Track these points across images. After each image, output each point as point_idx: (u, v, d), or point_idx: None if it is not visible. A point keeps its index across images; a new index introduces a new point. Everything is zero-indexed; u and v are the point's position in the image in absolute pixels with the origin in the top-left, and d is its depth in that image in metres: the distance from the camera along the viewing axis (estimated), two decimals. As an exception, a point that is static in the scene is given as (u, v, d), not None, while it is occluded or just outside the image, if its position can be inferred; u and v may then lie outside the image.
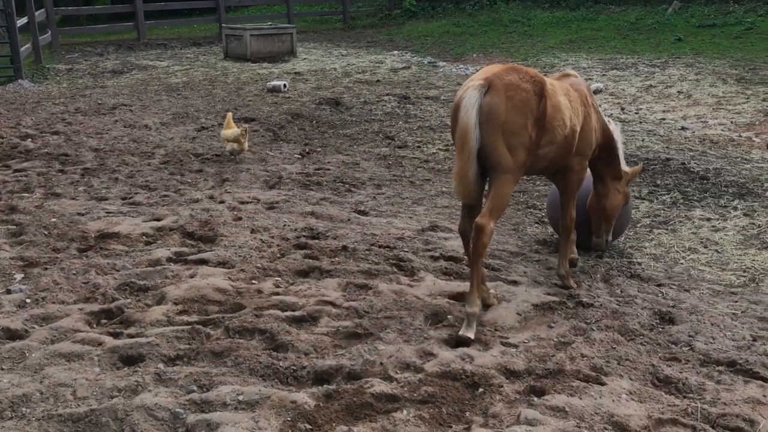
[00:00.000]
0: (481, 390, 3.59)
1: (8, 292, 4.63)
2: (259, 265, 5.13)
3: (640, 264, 5.56)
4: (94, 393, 3.48)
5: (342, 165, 8.40)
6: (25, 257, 5.24)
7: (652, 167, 8.03)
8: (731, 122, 10.07)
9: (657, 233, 6.26)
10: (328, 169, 8.16)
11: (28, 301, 4.52)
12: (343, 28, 24.20)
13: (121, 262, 5.17)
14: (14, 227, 5.90)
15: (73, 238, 5.66)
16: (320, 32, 23.19)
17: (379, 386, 3.54)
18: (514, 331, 4.32)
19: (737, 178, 7.63)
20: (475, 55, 17.37)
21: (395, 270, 5.14)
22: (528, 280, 5.07)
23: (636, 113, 10.87)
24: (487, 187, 4.38)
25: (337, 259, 5.31)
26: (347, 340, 4.09)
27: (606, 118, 5.15)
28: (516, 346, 4.08)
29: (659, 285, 5.13)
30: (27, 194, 6.94)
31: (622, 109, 11.19)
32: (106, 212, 6.33)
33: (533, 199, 7.30)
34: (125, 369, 3.75)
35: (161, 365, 3.76)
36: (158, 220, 6.13)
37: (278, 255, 5.37)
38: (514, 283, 5.01)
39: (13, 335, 4.08)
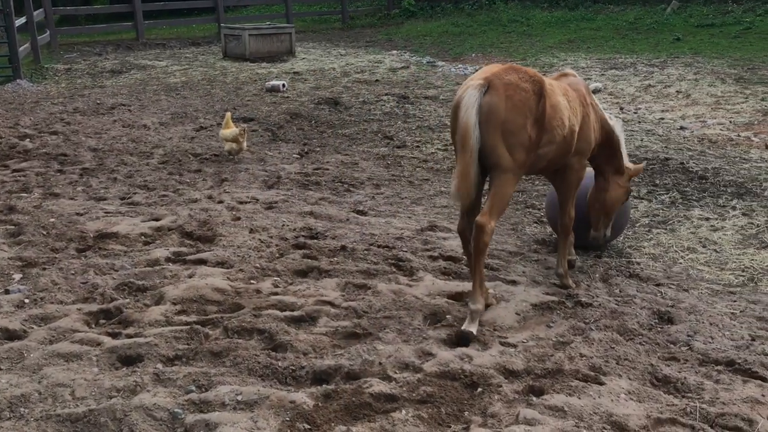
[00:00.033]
0: (479, 390, 3.59)
1: (7, 292, 4.63)
2: (257, 265, 5.13)
3: (638, 264, 5.56)
4: (93, 393, 3.47)
5: (341, 165, 8.40)
6: (24, 257, 5.23)
7: (650, 167, 8.03)
8: (730, 122, 10.07)
9: (656, 233, 6.27)
10: (327, 169, 8.16)
11: (26, 301, 4.52)
12: (342, 27, 24.20)
13: (119, 262, 5.17)
14: (13, 227, 5.89)
15: (71, 238, 5.66)
16: (319, 32, 23.19)
17: (378, 386, 3.54)
18: (513, 331, 4.32)
19: (736, 177, 7.63)
20: (473, 54, 17.37)
21: (394, 270, 5.14)
22: (527, 279, 5.07)
23: (635, 113, 10.87)
24: (487, 187, 4.38)
25: (335, 258, 5.30)
26: (346, 340, 4.09)
27: (608, 115, 5.14)
28: (515, 346, 4.08)
29: (658, 285, 5.13)
30: (25, 194, 6.94)
31: (621, 108, 11.19)
32: (105, 212, 6.33)
33: (532, 199, 7.30)
34: (124, 369, 3.74)
35: (160, 365, 3.76)
36: (157, 220, 6.13)
37: (277, 255, 5.37)
38: (513, 282, 5.00)
39: (11, 335, 4.07)
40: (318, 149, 9.16)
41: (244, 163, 8.31)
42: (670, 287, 5.09)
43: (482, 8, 24.09)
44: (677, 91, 12.09)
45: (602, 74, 13.83)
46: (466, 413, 3.43)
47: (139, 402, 3.34)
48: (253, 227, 5.91)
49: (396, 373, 3.72)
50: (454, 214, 6.60)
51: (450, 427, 3.34)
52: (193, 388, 3.53)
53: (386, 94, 12.44)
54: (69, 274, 4.92)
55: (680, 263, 5.64)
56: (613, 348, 4.05)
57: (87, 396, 3.45)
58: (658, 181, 7.61)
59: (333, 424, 3.30)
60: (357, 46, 19.40)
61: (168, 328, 4.13)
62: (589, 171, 5.32)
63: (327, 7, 26.53)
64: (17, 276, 4.91)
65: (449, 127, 4.60)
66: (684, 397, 3.61)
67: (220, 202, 6.71)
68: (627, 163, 5.27)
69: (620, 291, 4.97)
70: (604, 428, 3.29)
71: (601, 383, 3.68)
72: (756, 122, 10.01)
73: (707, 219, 6.52)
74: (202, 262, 5.19)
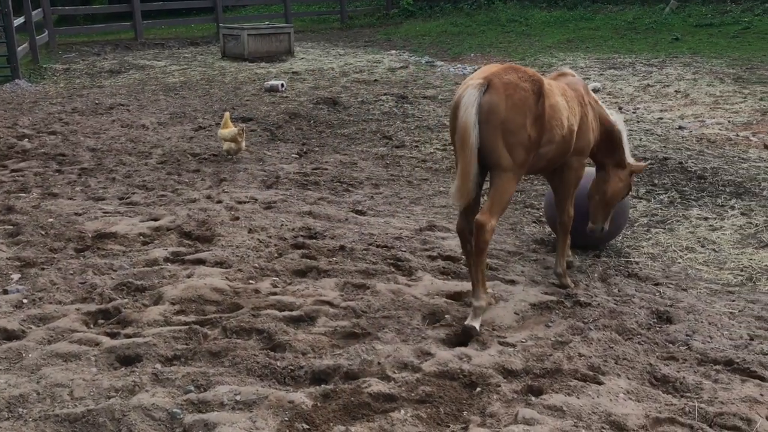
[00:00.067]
0: (478, 389, 3.59)
1: (5, 292, 4.62)
2: (256, 264, 5.12)
3: (637, 263, 5.57)
4: (91, 393, 3.47)
5: (339, 165, 8.40)
6: (22, 257, 5.23)
7: (649, 167, 8.03)
8: (728, 121, 10.08)
9: (654, 232, 6.27)
10: (326, 169, 8.16)
11: (25, 301, 4.51)
12: (341, 27, 24.20)
13: (118, 262, 5.16)
14: (11, 227, 5.89)
15: (70, 238, 5.65)
16: (318, 32, 23.19)
17: (377, 386, 3.53)
18: (512, 331, 4.32)
19: (734, 177, 7.63)
20: (472, 54, 17.37)
21: (393, 270, 5.14)
22: (525, 279, 5.07)
23: (633, 113, 10.88)
24: (488, 186, 4.38)
25: (334, 258, 5.30)
26: (345, 340, 4.09)
27: (609, 110, 5.13)
28: (513, 346, 4.08)
29: (657, 284, 5.14)
30: (24, 194, 6.93)
31: (620, 108, 11.19)
32: (104, 212, 6.32)
33: (531, 199, 7.30)
34: (122, 369, 3.74)
35: (158, 365, 3.75)
36: (155, 220, 6.13)
37: (276, 255, 5.37)
38: (512, 282, 5.00)
39: (9, 335, 4.07)
40: (317, 149, 9.15)
41: (243, 163, 8.30)
42: (668, 287, 5.09)
43: (481, 8, 24.10)
44: (676, 91, 12.10)
45: (601, 74, 13.83)
46: (465, 413, 3.43)
47: (137, 402, 3.34)
48: (252, 227, 5.90)
49: (395, 372, 3.72)
50: (452, 214, 6.60)
51: (449, 426, 3.34)
52: (192, 388, 3.53)
53: (385, 94, 12.44)
54: (67, 274, 4.92)
55: (679, 263, 5.64)
56: (612, 347, 4.05)
57: (85, 396, 3.45)
58: (656, 181, 7.62)
59: (332, 424, 3.29)
60: (356, 45, 19.40)
61: (166, 328, 4.13)
62: (589, 170, 5.32)
63: (326, 7, 26.54)
64: (16, 276, 4.91)
65: (448, 127, 4.59)
66: (683, 397, 3.61)
67: (219, 202, 6.71)
68: (629, 159, 5.25)
69: (619, 290, 4.97)
70: (602, 428, 3.29)
71: (600, 383, 3.68)
72: (754, 122, 10.02)
73: (706, 218, 6.53)
74: (201, 262, 5.19)
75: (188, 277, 4.88)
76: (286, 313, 4.36)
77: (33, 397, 3.42)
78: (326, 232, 5.88)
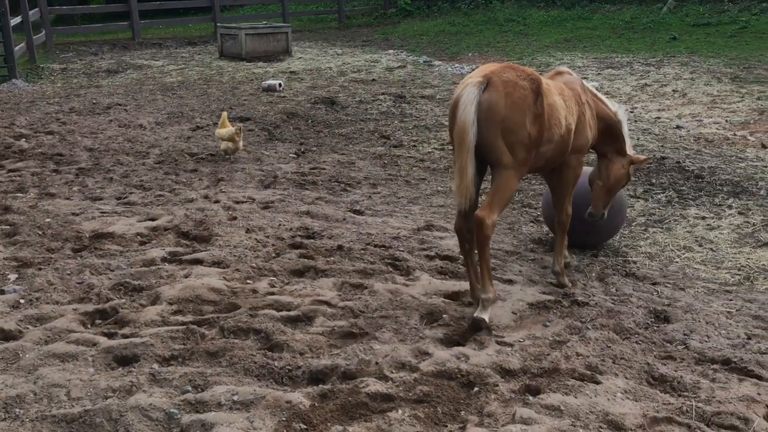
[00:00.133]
0: (476, 389, 3.59)
1: (2, 292, 4.61)
2: (254, 264, 5.12)
3: (635, 263, 5.57)
4: (89, 393, 3.47)
5: (337, 164, 8.39)
6: (19, 257, 5.22)
7: (647, 166, 8.03)
8: (726, 121, 10.09)
9: (652, 232, 6.27)
10: (324, 169, 8.15)
11: (22, 301, 4.50)
12: (339, 27, 24.19)
13: (115, 262, 5.16)
14: (8, 227, 5.88)
15: (67, 238, 5.64)
16: (315, 31, 23.17)
17: (375, 386, 3.53)
18: (510, 330, 4.32)
19: (732, 176, 7.64)
20: (470, 54, 17.37)
21: (391, 269, 5.14)
22: (523, 279, 5.07)
23: (631, 112, 10.88)
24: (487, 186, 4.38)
25: (332, 258, 5.30)
26: (342, 340, 4.09)
27: (610, 102, 5.12)
28: (511, 345, 4.08)
29: (654, 283, 5.14)
30: (21, 194, 6.92)
31: (618, 107, 11.20)
32: (101, 212, 6.32)
33: (528, 198, 7.30)
34: (120, 369, 3.74)
35: (156, 365, 3.75)
36: (153, 219, 6.12)
37: (273, 255, 5.36)
38: (510, 282, 5.01)
39: (6, 336, 4.06)
40: (314, 149, 9.15)
41: (241, 163, 8.30)
42: (666, 286, 5.09)
43: (479, 7, 24.11)
44: (673, 91, 12.11)
45: (599, 73, 13.84)
46: (463, 413, 3.42)
47: (135, 402, 3.34)
48: (250, 227, 5.90)
49: (392, 372, 3.71)
50: (450, 214, 6.60)
51: (446, 426, 3.34)
52: (189, 388, 3.53)
53: (383, 94, 12.43)
54: (65, 275, 4.91)
55: (676, 262, 5.65)
56: (610, 347, 4.05)
57: (83, 396, 3.44)
58: (654, 180, 7.62)
59: (329, 424, 3.29)
60: (353, 45, 19.39)
61: (164, 328, 4.12)
62: (587, 171, 5.32)
63: (323, 7, 26.52)
64: (13, 276, 4.90)
65: (447, 126, 4.59)
66: (680, 396, 3.62)
67: (217, 201, 6.70)
68: (630, 150, 5.24)
69: (616, 290, 4.98)
70: (600, 427, 3.29)
71: (598, 382, 3.68)
72: (752, 121, 10.03)
73: (703, 218, 6.53)
74: (199, 262, 5.18)
75: (186, 277, 4.87)
76: (284, 313, 4.36)
77: (30, 397, 3.41)
78: (324, 231, 5.88)
